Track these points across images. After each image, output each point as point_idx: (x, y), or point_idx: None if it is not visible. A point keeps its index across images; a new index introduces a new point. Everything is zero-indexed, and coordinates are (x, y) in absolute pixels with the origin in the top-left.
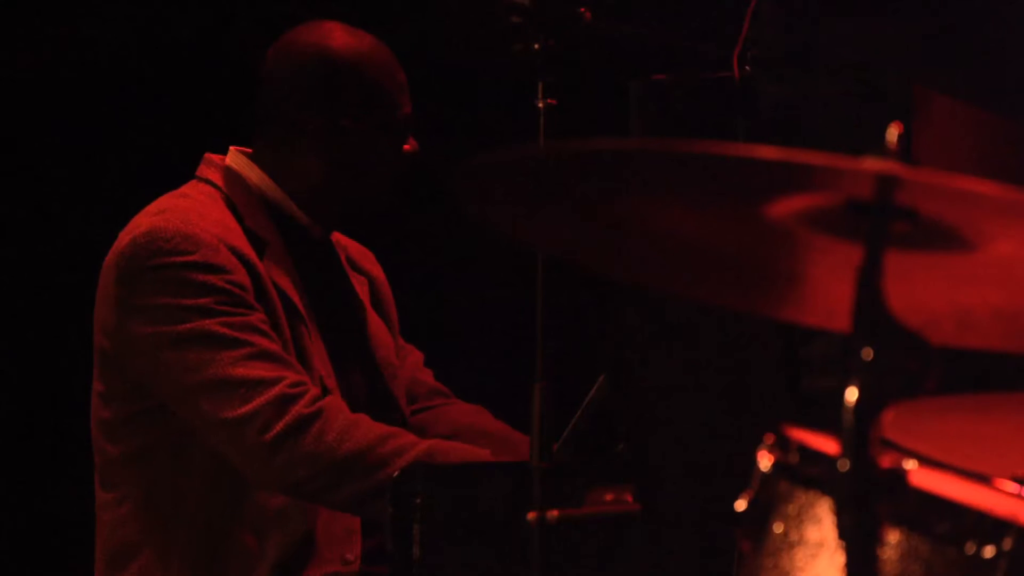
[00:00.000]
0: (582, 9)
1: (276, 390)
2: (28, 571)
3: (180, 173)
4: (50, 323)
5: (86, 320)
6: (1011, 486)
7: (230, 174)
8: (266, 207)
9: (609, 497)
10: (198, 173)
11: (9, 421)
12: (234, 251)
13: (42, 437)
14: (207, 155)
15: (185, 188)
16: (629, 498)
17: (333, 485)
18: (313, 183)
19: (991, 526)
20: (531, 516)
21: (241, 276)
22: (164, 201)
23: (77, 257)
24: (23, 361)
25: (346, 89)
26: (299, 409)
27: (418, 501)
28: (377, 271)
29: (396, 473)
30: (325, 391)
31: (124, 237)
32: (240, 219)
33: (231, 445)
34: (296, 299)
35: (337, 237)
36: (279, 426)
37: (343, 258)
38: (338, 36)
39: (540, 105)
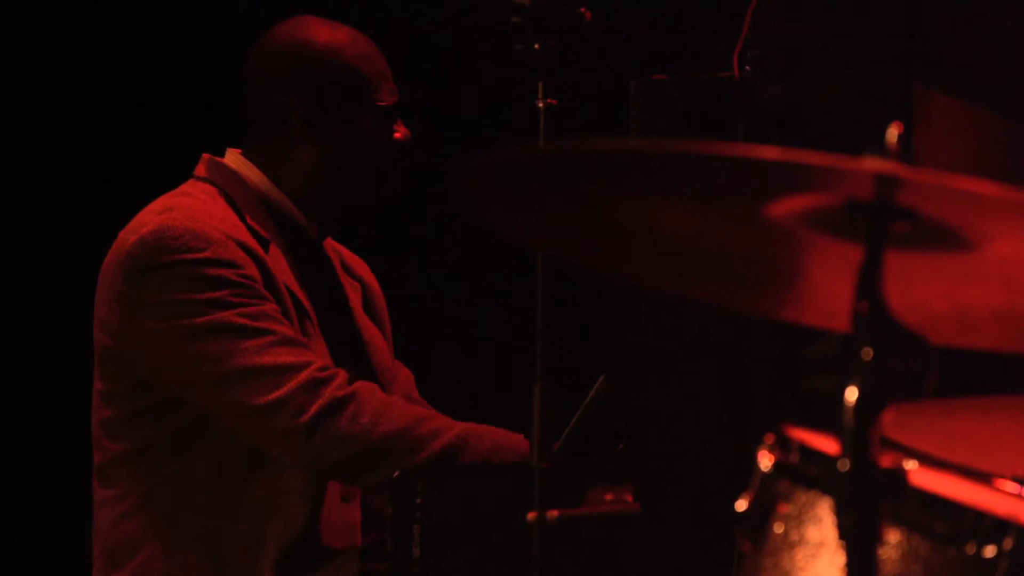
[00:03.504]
0: (582, 9)
1: (306, 374)
2: (28, 570)
3: (177, 173)
4: (45, 324)
5: (82, 320)
6: (1011, 486)
7: (229, 173)
8: (265, 206)
9: (609, 497)
10: (196, 173)
11: (9, 418)
12: (242, 246)
13: (38, 436)
14: (205, 155)
15: (184, 187)
16: (629, 498)
17: (369, 466)
18: (305, 176)
19: (991, 526)
20: (531, 516)
21: (252, 270)
22: (167, 200)
23: (73, 257)
24: (21, 361)
25: (324, 74)
26: (332, 391)
27: (418, 501)
28: (370, 279)
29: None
30: None
31: (129, 236)
32: (241, 217)
33: (265, 431)
34: (300, 294)
35: (331, 243)
36: (313, 409)
37: (337, 262)
38: (314, 26)
39: (540, 105)
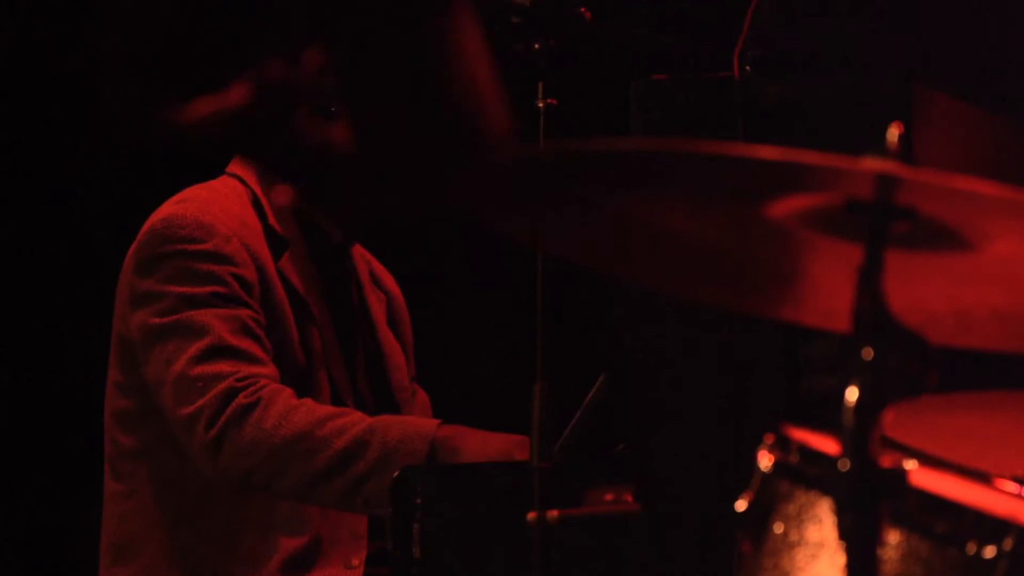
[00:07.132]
0: (582, 9)
1: (225, 384)
2: (30, 564)
3: (202, 173)
4: (56, 318)
5: (93, 314)
6: (1011, 486)
7: (258, 172)
8: (294, 209)
9: (609, 497)
10: (228, 170)
11: (13, 414)
12: (247, 248)
13: (45, 432)
14: (237, 154)
15: (213, 182)
16: (629, 498)
17: (277, 471)
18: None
19: (991, 526)
20: (531, 516)
21: (249, 271)
22: (188, 191)
23: (86, 256)
24: (33, 354)
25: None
26: (240, 400)
27: (418, 501)
28: (396, 291)
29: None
30: (335, 394)
31: (146, 225)
32: (263, 218)
33: (187, 442)
34: (310, 302)
35: (362, 251)
36: (222, 419)
37: (366, 272)
38: None
39: (540, 105)
